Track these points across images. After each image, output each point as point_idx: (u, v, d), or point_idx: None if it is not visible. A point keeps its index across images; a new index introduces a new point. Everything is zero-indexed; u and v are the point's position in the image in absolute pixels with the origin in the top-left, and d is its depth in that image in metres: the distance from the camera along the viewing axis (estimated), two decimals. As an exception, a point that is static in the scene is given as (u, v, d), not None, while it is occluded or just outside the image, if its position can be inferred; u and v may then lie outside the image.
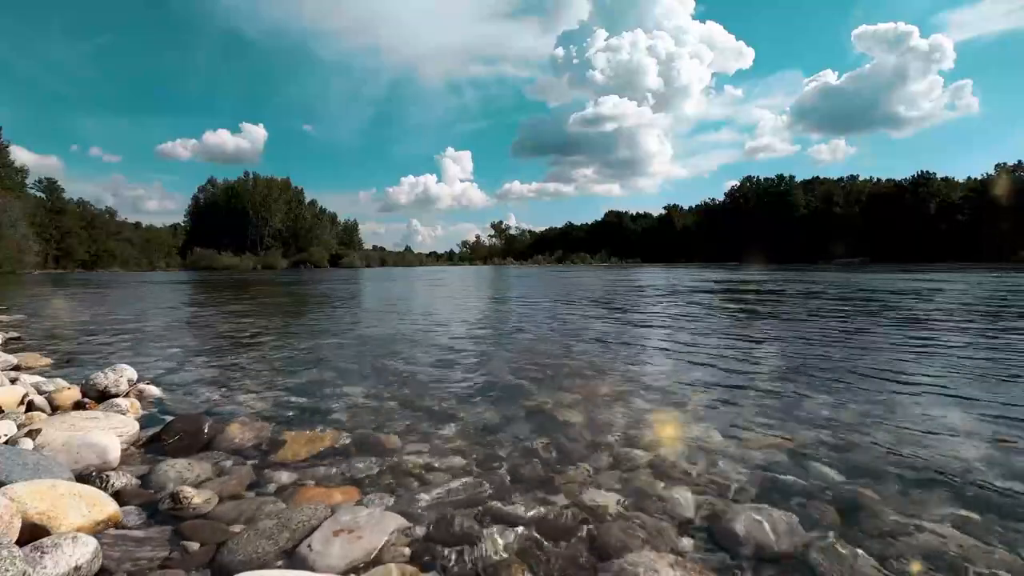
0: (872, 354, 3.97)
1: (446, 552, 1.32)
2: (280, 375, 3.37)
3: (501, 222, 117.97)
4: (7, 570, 1.02)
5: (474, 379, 3.24)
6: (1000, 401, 2.62)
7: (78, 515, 1.34)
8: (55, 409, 2.40)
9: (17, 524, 1.21)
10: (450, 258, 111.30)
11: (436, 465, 1.86)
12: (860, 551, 1.31)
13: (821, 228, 68.94)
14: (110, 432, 1.92)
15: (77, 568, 1.13)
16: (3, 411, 2.23)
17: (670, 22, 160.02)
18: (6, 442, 1.79)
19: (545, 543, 1.36)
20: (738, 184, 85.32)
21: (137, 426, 2.13)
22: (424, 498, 1.60)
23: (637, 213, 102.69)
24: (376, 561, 1.28)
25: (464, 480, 1.73)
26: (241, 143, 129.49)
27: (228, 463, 1.88)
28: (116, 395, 2.60)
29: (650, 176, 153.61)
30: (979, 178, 60.62)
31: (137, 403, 2.52)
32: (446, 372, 3.45)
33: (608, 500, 1.59)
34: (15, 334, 5.04)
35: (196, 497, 1.55)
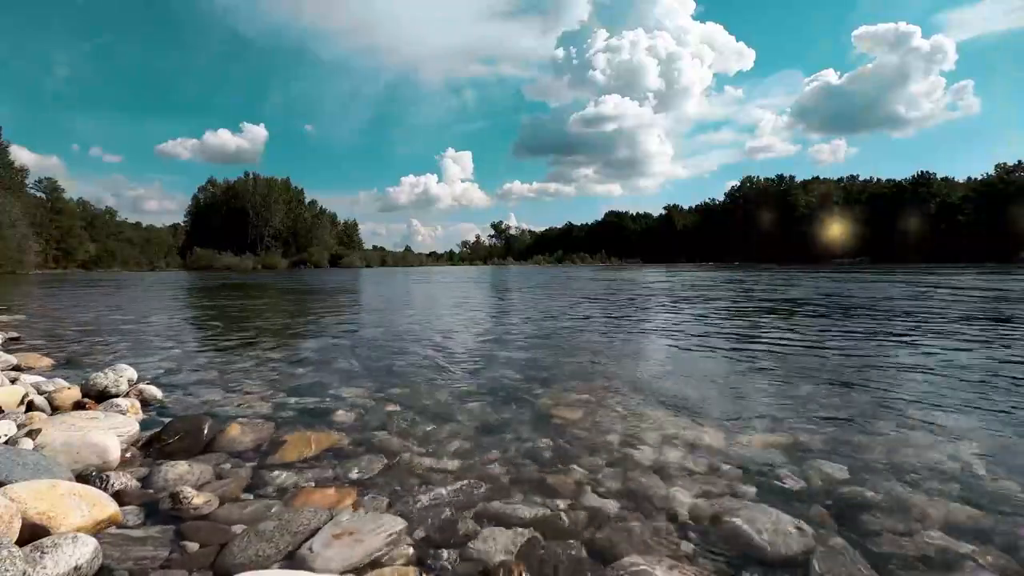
0: (873, 355, 3.97)
1: (446, 554, 1.32)
2: (280, 376, 3.37)
3: (501, 222, 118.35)
4: (7, 570, 1.02)
5: (474, 379, 3.24)
6: (1001, 401, 2.61)
7: (78, 515, 1.34)
8: (55, 409, 2.40)
9: (17, 524, 1.21)
10: (450, 258, 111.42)
11: (436, 466, 1.86)
12: (860, 552, 1.31)
13: (821, 228, 68.91)
14: (110, 432, 1.92)
15: (77, 568, 1.13)
16: (3, 411, 2.23)
17: (671, 22, 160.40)
18: (6, 442, 1.79)
19: (545, 544, 1.36)
20: (738, 184, 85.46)
21: (137, 426, 2.13)
22: (424, 499, 1.60)
23: (637, 213, 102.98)
24: (376, 563, 1.28)
25: (464, 481, 1.72)
26: (241, 143, 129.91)
27: (228, 464, 1.88)
28: (116, 395, 2.59)
29: (650, 176, 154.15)
30: (979, 178, 60.63)
31: (137, 403, 2.51)
32: (446, 372, 3.45)
33: (608, 501, 1.59)
34: (15, 334, 5.04)
35: (196, 498, 1.55)
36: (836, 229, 65.81)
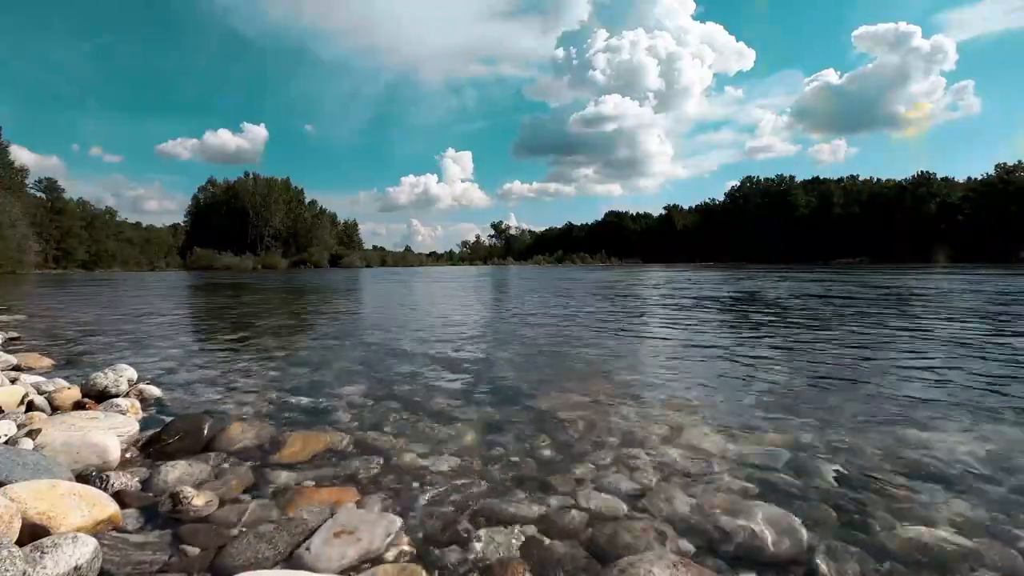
0: (873, 356, 3.97)
1: (446, 552, 1.32)
2: (281, 375, 3.37)
3: (501, 222, 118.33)
4: (7, 570, 1.02)
5: (474, 379, 3.24)
6: (1000, 402, 2.61)
7: (78, 515, 1.34)
8: (55, 409, 2.40)
9: (17, 524, 1.21)
10: (450, 258, 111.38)
11: (435, 465, 1.86)
12: (861, 551, 1.31)
13: (821, 228, 68.96)
14: (110, 432, 1.92)
15: (77, 568, 1.13)
16: (3, 411, 2.23)
17: (671, 22, 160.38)
18: (6, 442, 1.79)
19: (545, 543, 1.36)
20: (738, 184, 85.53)
21: (137, 426, 2.13)
22: (424, 498, 1.60)
23: (637, 213, 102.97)
24: (376, 562, 1.28)
25: (464, 480, 1.72)
26: (241, 143, 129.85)
27: (228, 464, 1.88)
28: (116, 395, 2.60)
29: (650, 176, 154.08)
30: (979, 178, 60.63)
31: (137, 403, 2.52)
32: (446, 372, 3.45)
33: (608, 500, 1.59)
34: (15, 334, 5.04)
35: (196, 498, 1.55)
36: (836, 229, 65.78)
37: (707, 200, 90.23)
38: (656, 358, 4.00)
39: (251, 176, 78.50)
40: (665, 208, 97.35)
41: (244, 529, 1.40)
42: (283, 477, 1.76)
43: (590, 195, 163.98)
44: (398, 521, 1.43)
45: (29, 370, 3.31)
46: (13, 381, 2.70)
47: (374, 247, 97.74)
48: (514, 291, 13.69)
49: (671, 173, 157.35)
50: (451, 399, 2.75)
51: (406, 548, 1.34)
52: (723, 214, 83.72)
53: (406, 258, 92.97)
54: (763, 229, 73.51)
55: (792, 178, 78.98)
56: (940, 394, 2.77)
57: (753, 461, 1.89)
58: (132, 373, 2.86)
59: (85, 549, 1.17)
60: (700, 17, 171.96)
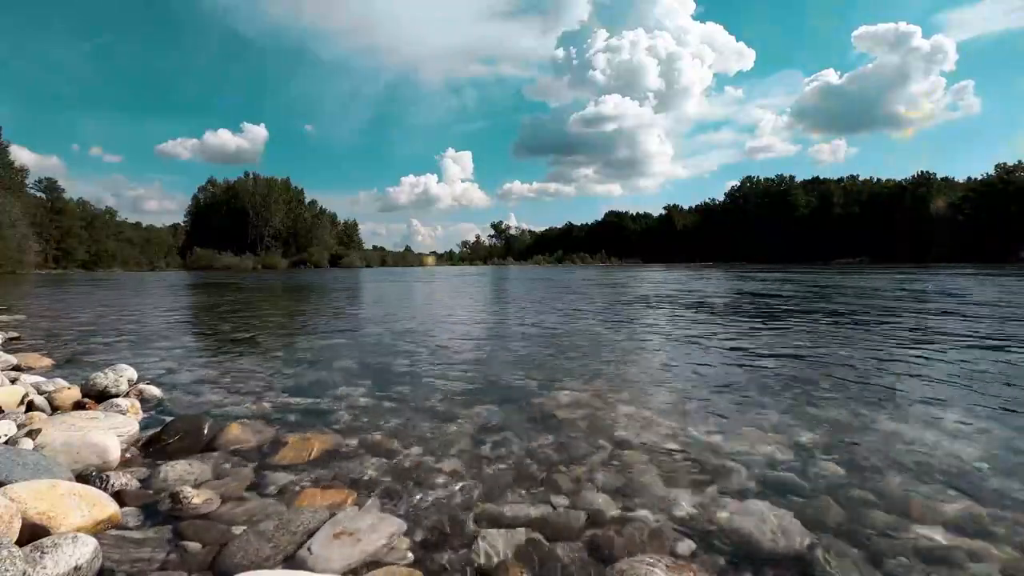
0: (873, 355, 3.96)
1: (445, 554, 1.32)
2: (281, 376, 3.37)
3: (501, 222, 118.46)
4: (7, 570, 1.02)
5: (474, 380, 3.24)
6: (1001, 402, 2.61)
7: (78, 515, 1.34)
8: (55, 409, 2.40)
9: (17, 524, 1.21)
10: (450, 258, 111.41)
11: (436, 467, 1.86)
12: (860, 551, 1.31)
13: (821, 228, 68.98)
14: (110, 432, 1.92)
15: (77, 568, 1.13)
16: (3, 411, 2.23)
17: (671, 22, 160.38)
18: (6, 442, 1.79)
19: (545, 545, 1.36)
20: (738, 184, 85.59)
21: (137, 426, 2.13)
22: (424, 500, 1.60)
23: (637, 213, 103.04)
24: (376, 563, 1.28)
25: (464, 482, 1.72)
26: (241, 143, 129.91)
27: (228, 464, 1.88)
28: (116, 395, 2.60)
29: (650, 176, 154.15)
30: (979, 178, 60.60)
31: (137, 403, 2.52)
32: (446, 373, 3.45)
33: (608, 501, 1.59)
34: (15, 334, 5.04)
35: (196, 498, 1.55)
36: (836, 229, 65.76)
37: (707, 200, 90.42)
38: (655, 357, 4.00)
39: (251, 176, 78.57)
40: (665, 208, 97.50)
41: (244, 528, 1.40)
42: (283, 478, 1.76)
43: (590, 195, 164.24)
44: (398, 523, 1.43)
45: (29, 370, 3.31)
46: (13, 381, 2.70)
47: (374, 247, 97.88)
48: (513, 291, 13.69)
49: (671, 173, 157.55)
50: (451, 399, 2.75)
51: (406, 550, 1.34)
52: (723, 214, 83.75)
53: (406, 258, 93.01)
54: (763, 229, 73.54)
55: (792, 178, 79.12)
56: (942, 394, 2.77)
57: (752, 460, 1.89)
58: (132, 373, 2.86)
59: (85, 549, 1.17)
60: (700, 17, 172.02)
